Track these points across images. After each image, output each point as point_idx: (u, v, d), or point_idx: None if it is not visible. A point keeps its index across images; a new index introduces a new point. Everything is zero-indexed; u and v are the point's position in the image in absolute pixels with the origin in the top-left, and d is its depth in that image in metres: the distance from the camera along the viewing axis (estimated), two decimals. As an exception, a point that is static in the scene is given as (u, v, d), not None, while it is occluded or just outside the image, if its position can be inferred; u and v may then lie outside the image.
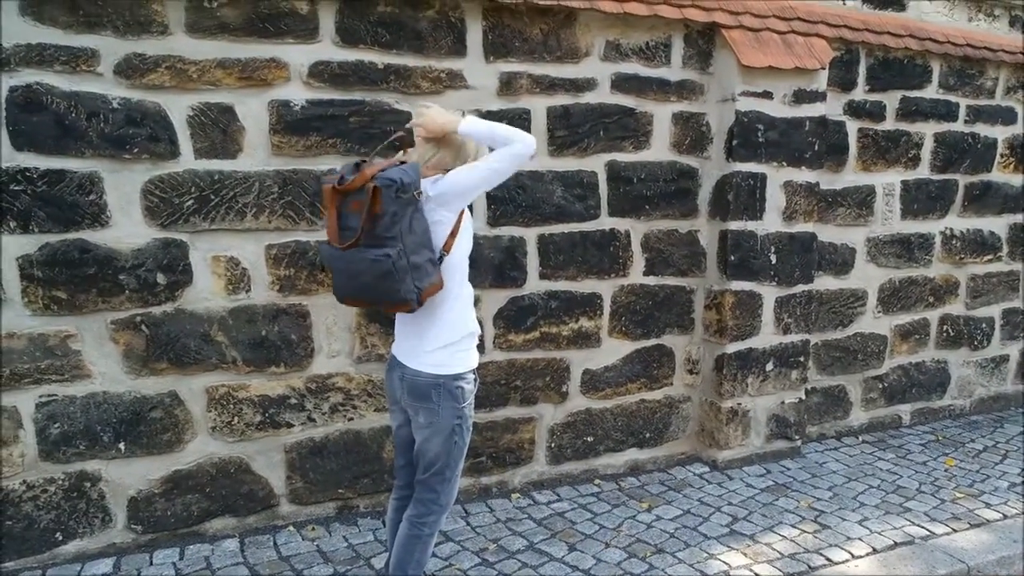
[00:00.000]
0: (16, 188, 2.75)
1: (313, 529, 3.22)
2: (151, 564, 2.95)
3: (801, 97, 3.80)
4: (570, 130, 3.54)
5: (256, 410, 3.17)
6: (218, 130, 2.98)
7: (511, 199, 3.47)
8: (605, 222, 3.68)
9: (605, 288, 3.73)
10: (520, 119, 3.42)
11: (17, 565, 2.90)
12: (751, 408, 3.93)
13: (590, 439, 3.81)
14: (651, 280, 3.82)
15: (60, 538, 2.96)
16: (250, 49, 2.97)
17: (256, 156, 3.05)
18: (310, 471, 3.28)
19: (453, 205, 2.23)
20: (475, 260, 2.41)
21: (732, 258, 3.76)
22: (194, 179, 2.97)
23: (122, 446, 2.99)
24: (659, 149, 3.74)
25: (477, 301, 3.39)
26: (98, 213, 2.86)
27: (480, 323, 3.46)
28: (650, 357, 3.88)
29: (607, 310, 3.75)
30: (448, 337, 2.29)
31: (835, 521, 3.34)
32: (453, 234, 2.25)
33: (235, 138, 3.01)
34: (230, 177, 3.01)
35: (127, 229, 2.91)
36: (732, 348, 3.82)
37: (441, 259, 2.23)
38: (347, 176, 2.12)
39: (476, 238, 3.43)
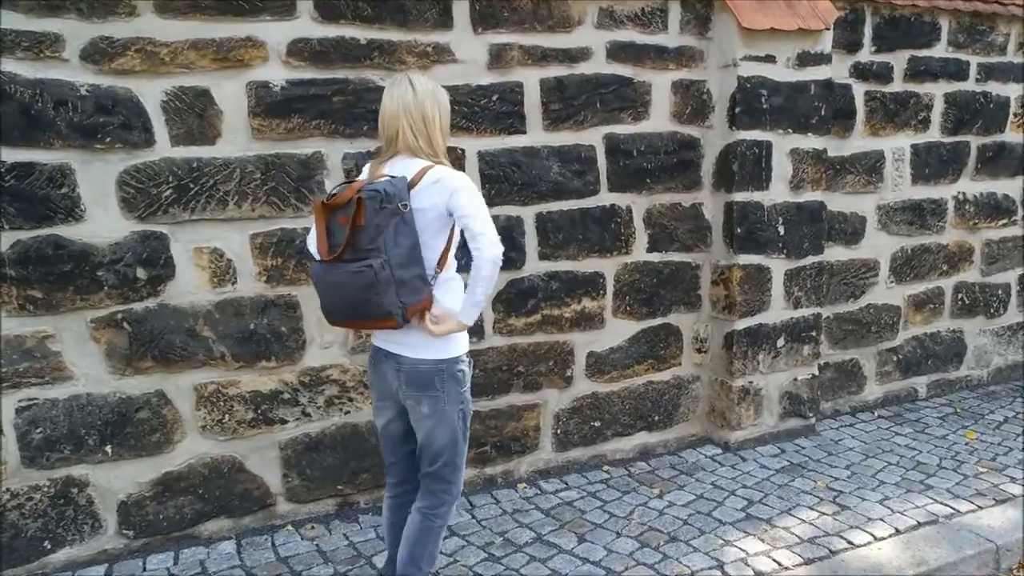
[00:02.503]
0: (-17, 183, 2.62)
1: (312, 528, 3.10)
2: (144, 570, 2.83)
3: (805, 60, 3.63)
4: (565, 103, 3.38)
5: (248, 407, 3.04)
6: (194, 115, 2.83)
7: (506, 177, 3.32)
8: (605, 198, 3.52)
9: (607, 267, 3.58)
10: (512, 92, 3.27)
11: (6, 576, 2.80)
12: (763, 386, 3.79)
13: (597, 424, 3.68)
14: (655, 257, 3.67)
15: (49, 547, 2.84)
16: (224, 28, 2.81)
17: (236, 141, 2.90)
18: (307, 468, 3.16)
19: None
20: (470, 242, 2.26)
21: (738, 231, 3.60)
22: (171, 167, 2.82)
23: (109, 449, 2.86)
24: (659, 119, 3.58)
25: (474, 285, 3.26)
26: (71, 207, 2.72)
27: (479, 308, 3.35)
28: (656, 337, 3.74)
29: (610, 289, 3.60)
30: None
31: (854, 501, 3.21)
32: (446, 252, 2.19)
33: (213, 123, 2.86)
34: (209, 164, 2.87)
35: (103, 223, 2.77)
36: (741, 324, 3.68)
37: (435, 277, 2.16)
38: (337, 191, 2.09)
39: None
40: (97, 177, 2.74)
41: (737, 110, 3.52)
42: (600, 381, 3.65)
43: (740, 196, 3.59)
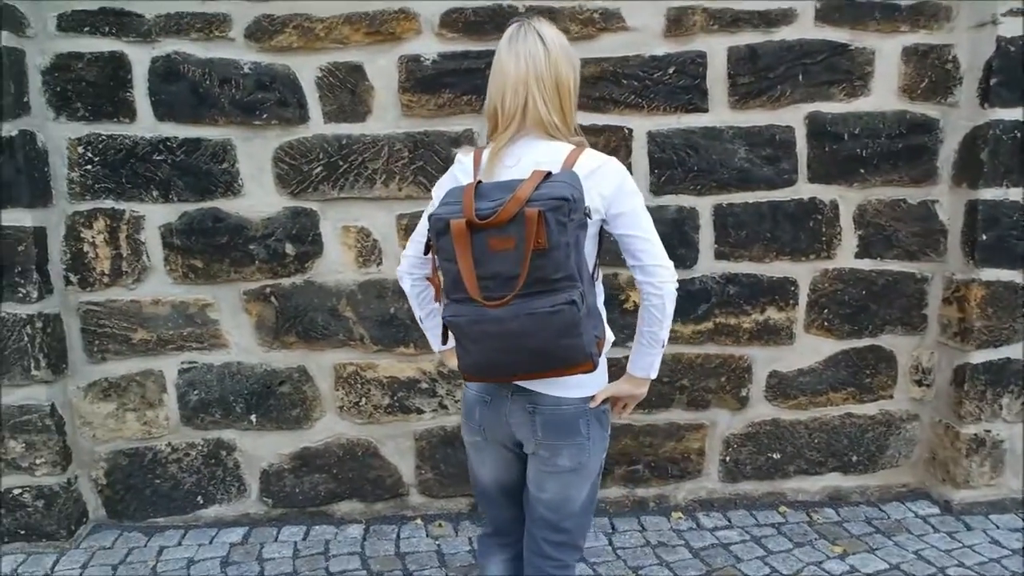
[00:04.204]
0: (158, 158, 2.79)
1: (440, 525, 2.97)
2: (276, 540, 2.89)
3: (1107, 13, 2.72)
4: (758, 75, 2.85)
5: (384, 392, 2.97)
6: (346, 91, 2.79)
7: (680, 162, 2.89)
8: (803, 189, 2.94)
9: (802, 272, 2.99)
10: (692, 64, 2.82)
11: (166, 522, 3.01)
12: (1005, 438, 2.95)
13: (776, 456, 3.12)
14: (866, 264, 3.00)
15: (201, 502, 3.02)
16: (377, 2, 2.73)
17: (385, 118, 2.81)
18: (440, 462, 3.03)
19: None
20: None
21: (983, 238, 2.81)
22: (322, 144, 2.81)
23: (253, 418, 2.96)
24: (882, 95, 2.89)
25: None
26: (231, 181, 2.82)
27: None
28: (862, 361, 3.07)
29: (803, 299, 3.01)
30: None
31: (1124, 614, 2.36)
32: (597, 260, 1.68)
33: (364, 99, 2.80)
34: (358, 141, 2.81)
35: (258, 198, 2.84)
36: (979, 357, 2.88)
37: None
38: (483, 206, 1.44)
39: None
40: (255, 153, 2.81)
41: (993, 82, 2.73)
42: (783, 406, 3.08)
43: (989, 193, 2.79)
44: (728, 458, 3.11)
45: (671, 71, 2.83)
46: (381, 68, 2.78)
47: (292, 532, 2.94)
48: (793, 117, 2.89)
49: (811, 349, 3.05)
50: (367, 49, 2.77)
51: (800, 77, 2.86)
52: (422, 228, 1.72)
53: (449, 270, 1.49)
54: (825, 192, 2.94)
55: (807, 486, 3.14)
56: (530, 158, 1.57)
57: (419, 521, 3.00)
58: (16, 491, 2.79)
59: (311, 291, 2.90)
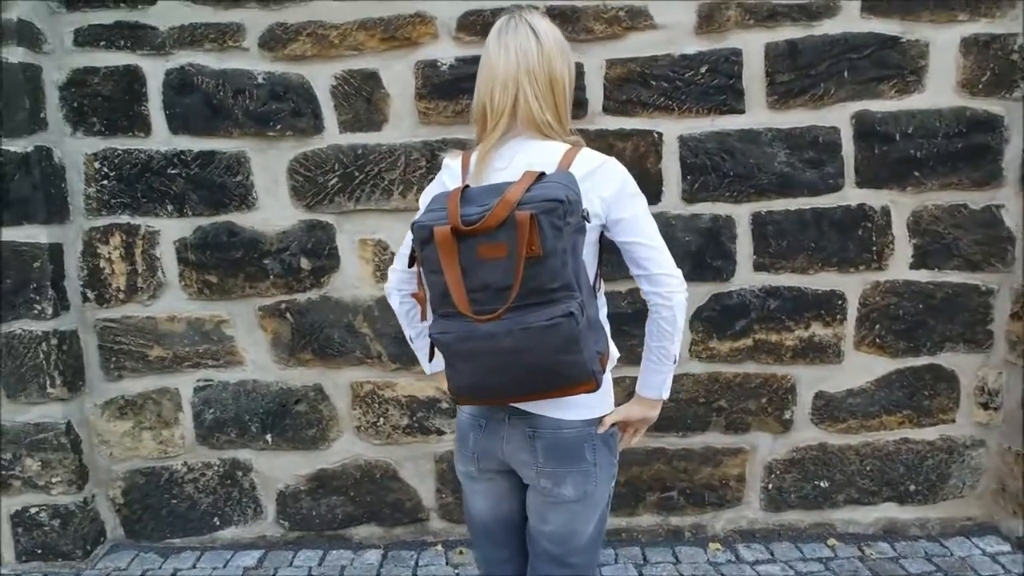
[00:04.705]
0: (172, 172, 2.74)
1: (461, 552, 2.82)
2: (291, 564, 2.78)
3: None
4: (798, 73, 2.65)
5: (403, 412, 2.85)
6: (362, 99, 2.69)
7: (714, 167, 2.70)
8: (851, 195, 2.71)
9: (850, 284, 2.76)
10: (726, 62, 2.64)
11: (183, 543, 2.94)
12: (1086, 468, 2.66)
13: (824, 484, 2.87)
14: (922, 275, 2.75)
15: (217, 523, 2.93)
16: (392, 6, 2.62)
17: (402, 126, 2.70)
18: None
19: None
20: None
21: (1056, 245, 2.55)
22: (338, 155, 2.71)
23: (269, 438, 2.87)
24: (938, 91, 2.65)
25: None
26: (245, 194, 2.75)
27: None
28: (919, 381, 2.81)
29: (852, 314, 2.77)
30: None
31: None
32: (599, 269, 1.55)
33: (379, 107, 2.70)
34: (374, 151, 2.71)
35: (273, 211, 2.76)
36: (1053, 378, 2.61)
37: None
38: (470, 211, 1.31)
39: (667, 217, 2.75)
40: (270, 165, 2.74)
41: (1065, 73, 2.48)
42: (832, 430, 2.84)
43: (1062, 196, 2.53)
44: (771, 485, 2.88)
45: (703, 70, 2.65)
46: (397, 74, 2.67)
47: (308, 556, 2.83)
48: (838, 117, 2.68)
49: (862, 368, 2.81)
50: (382, 55, 2.66)
51: (845, 73, 2.64)
52: (408, 239, 1.57)
53: (435, 282, 1.36)
54: (875, 197, 2.71)
55: (859, 517, 2.89)
56: (522, 159, 1.44)
57: (439, 547, 2.86)
58: (33, 510, 2.76)
59: (327, 307, 2.80)
